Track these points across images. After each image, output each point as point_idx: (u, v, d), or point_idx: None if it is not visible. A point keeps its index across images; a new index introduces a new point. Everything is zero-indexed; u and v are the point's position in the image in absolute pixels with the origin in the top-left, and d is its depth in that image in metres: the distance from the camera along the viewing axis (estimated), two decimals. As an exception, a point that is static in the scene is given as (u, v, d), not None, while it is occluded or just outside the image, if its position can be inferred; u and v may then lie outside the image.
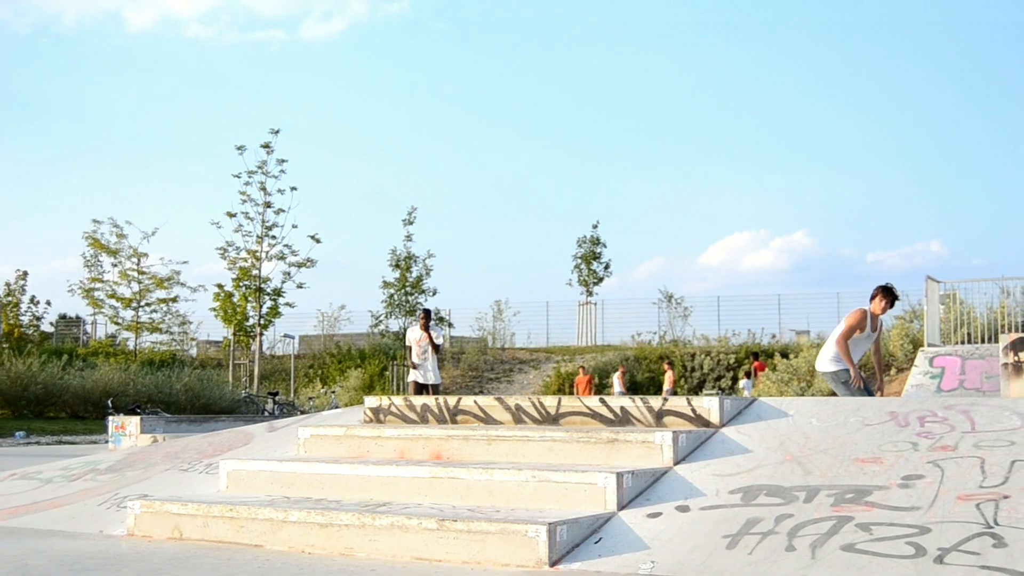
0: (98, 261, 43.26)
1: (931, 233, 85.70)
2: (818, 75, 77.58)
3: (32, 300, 46.88)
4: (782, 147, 78.00)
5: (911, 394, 22.27)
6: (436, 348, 19.19)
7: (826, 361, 11.63)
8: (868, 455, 5.98)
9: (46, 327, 48.74)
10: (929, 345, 25.70)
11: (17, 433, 24.40)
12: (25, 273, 46.42)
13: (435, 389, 18.79)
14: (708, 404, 6.93)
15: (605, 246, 51.09)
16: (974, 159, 75.77)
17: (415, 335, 19.10)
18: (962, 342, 27.01)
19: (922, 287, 28.10)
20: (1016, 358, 19.95)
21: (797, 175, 78.65)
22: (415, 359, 18.90)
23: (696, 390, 37.50)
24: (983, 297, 29.21)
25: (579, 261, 50.97)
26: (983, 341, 26.63)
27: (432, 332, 19.08)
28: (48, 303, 48.08)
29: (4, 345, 36.91)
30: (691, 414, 6.91)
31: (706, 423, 6.81)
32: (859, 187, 76.88)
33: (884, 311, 11.60)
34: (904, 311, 35.83)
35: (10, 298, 44.88)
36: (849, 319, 11.53)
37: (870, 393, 11.37)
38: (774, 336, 44.38)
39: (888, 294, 11.50)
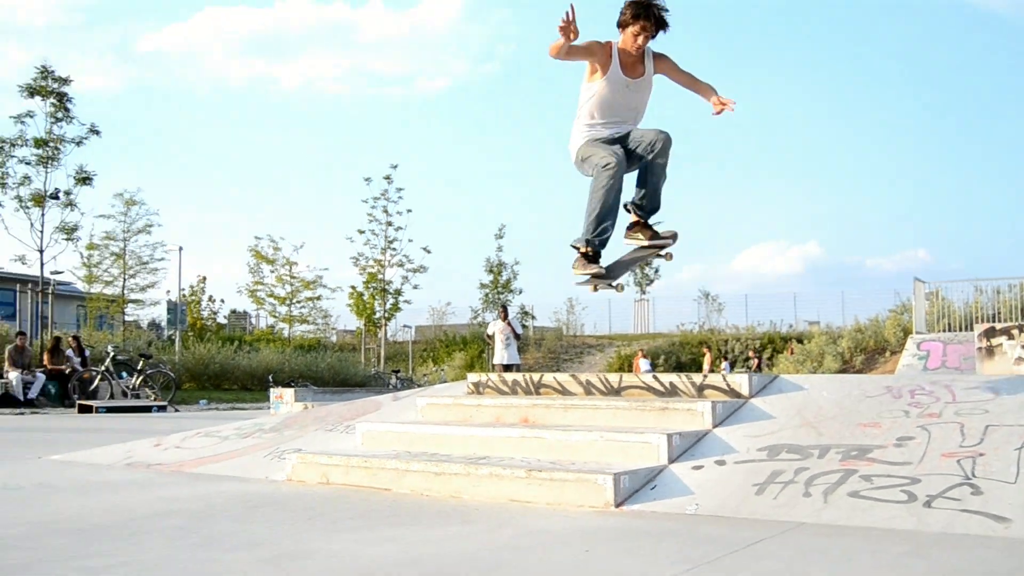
0: (259, 268, 44.01)
1: (918, 243, 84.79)
2: (830, 108, 77.00)
3: (210, 299, 47.90)
4: (799, 172, 77.45)
5: (903, 372, 21.96)
6: (517, 336, 19.44)
7: (571, 144, 6.49)
8: (869, 421, 5.90)
9: (221, 319, 49.66)
10: (917, 333, 25.44)
11: (200, 401, 24.88)
12: (204, 278, 47.46)
13: (517, 368, 18.94)
14: (739, 380, 6.88)
15: (655, 254, 51.01)
16: (952, 181, 74.73)
17: (498, 326, 19.41)
18: (944, 330, 26.70)
19: (911, 286, 27.83)
20: (988, 343, 19.61)
21: (809, 195, 78.06)
22: (499, 345, 19.13)
23: (729, 369, 37.23)
24: (960, 294, 29.11)
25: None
26: (961, 330, 26.36)
27: (512, 323, 19.40)
28: (222, 301, 49.11)
29: (189, 333, 37.62)
30: (726, 388, 6.86)
31: (738, 395, 6.76)
32: (860, 205, 76.33)
33: (642, 41, 6.08)
34: (896, 305, 35.36)
35: (193, 297, 45.76)
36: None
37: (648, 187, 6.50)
38: (791, 326, 44.14)
39: (640, 10, 6.03)
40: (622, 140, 6.39)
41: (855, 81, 77.58)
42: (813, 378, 7.29)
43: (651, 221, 6.73)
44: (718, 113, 6.13)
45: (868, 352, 32.85)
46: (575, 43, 5.88)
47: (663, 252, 6.81)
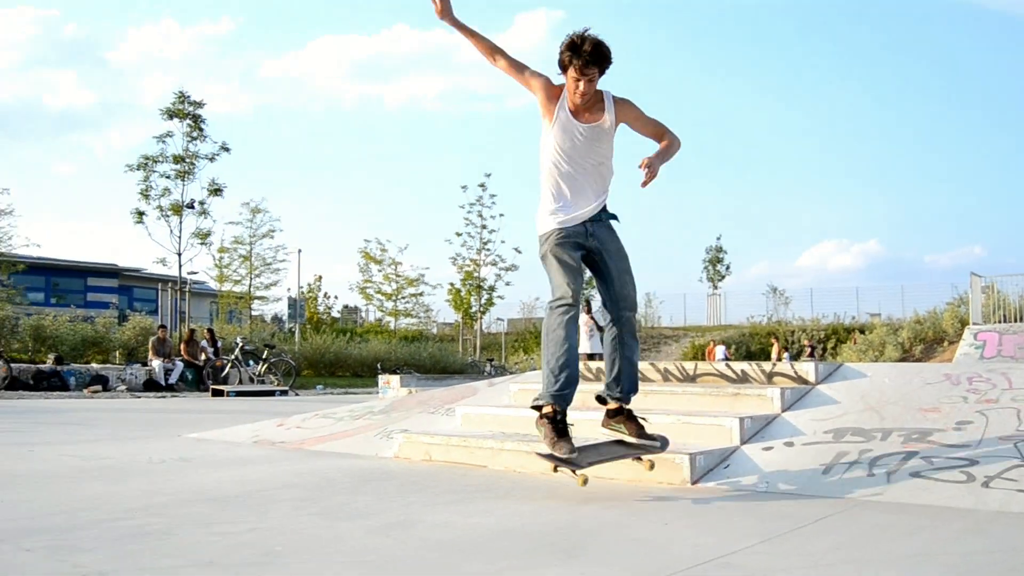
0: (368, 268, 44.59)
1: (973, 239, 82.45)
2: (889, 112, 75.37)
3: (325, 295, 48.73)
4: (859, 174, 76.11)
5: (960, 361, 21.30)
6: (600, 328, 19.49)
7: (537, 219, 4.92)
8: (929, 406, 5.74)
9: (335, 314, 50.51)
10: (973, 324, 24.75)
11: (318, 386, 25.30)
12: (320, 277, 48.27)
13: (600, 357, 18.92)
14: (806, 368, 6.75)
15: (726, 252, 50.82)
16: (1006, 180, 72.59)
17: (582, 319, 19.52)
18: (999, 322, 25.91)
19: (968, 281, 27.13)
20: (1043, 334, 18.97)
21: (870, 196, 76.63)
22: (584, 336, 19.22)
23: (795, 357, 36.57)
24: (1015, 287, 28.29)
25: (707, 263, 50.63)
26: (1015, 320, 25.60)
27: (595, 317, 19.51)
28: (336, 297, 50.14)
29: (307, 326, 38.32)
30: (794, 375, 6.74)
31: (805, 382, 6.64)
32: (918, 205, 74.62)
33: (584, 87, 4.60)
34: (953, 298, 34.40)
35: (311, 294, 46.58)
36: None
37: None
38: (853, 318, 43.26)
39: (571, 52, 4.57)
40: (590, 250, 4.83)
41: (912, 87, 75.71)
42: (875, 366, 7.12)
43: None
44: (643, 167, 4.69)
45: (927, 342, 31.97)
46: (509, 55, 4.81)
47: (645, 457, 4.95)
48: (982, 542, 3.54)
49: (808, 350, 36.28)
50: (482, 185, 40.41)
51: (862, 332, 37.02)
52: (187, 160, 28.33)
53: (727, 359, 34.37)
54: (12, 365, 19.69)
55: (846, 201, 78.34)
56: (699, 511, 4.24)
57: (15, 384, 19.07)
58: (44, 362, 21.86)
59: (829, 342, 39.06)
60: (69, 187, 76.22)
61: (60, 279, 44.19)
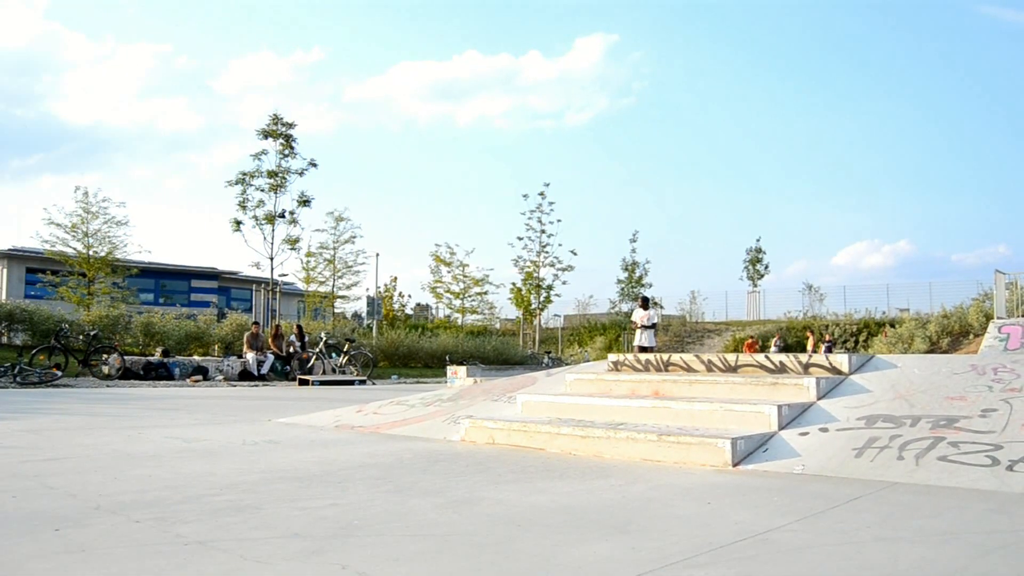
0: (439, 269, 44.79)
1: (998, 239, 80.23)
2: (919, 121, 73.63)
3: (400, 294, 49.19)
4: (891, 179, 74.58)
5: (985, 353, 20.71)
6: (654, 324, 19.31)
7: None
8: (956, 394, 5.58)
9: (408, 311, 50.87)
10: (998, 318, 24.04)
11: (392, 376, 25.48)
12: (396, 278, 48.82)
13: (652, 349, 18.77)
14: (840, 359, 6.62)
15: (765, 253, 50.06)
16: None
17: (638, 315, 19.36)
18: (1023, 315, 25.11)
19: (992, 277, 26.43)
20: (1065, 327, 18.35)
21: (902, 199, 75.07)
22: (639, 330, 19.09)
23: (829, 350, 35.86)
24: None
25: (747, 263, 49.95)
26: (1039, 315, 24.76)
27: (650, 313, 19.34)
28: (409, 296, 50.47)
29: (384, 322, 38.65)
30: (828, 366, 6.61)
31: (839, 372, 6.51)
32: (946, 207, 72.88)
33: None
34: (979, 294, 33.54)
35: (387, 293, 47.04)
36: None
37: None
38: (884, 313, 42.31)
39: None
40: None
41: (941, 95, 73.92)
42: (905, 358, 6.95)
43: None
44: None
45: (953, 335, 31.13)
46: None
47: None
48: (1006, 522, 3.43)
49: (829, 345, 35.60)
50: (541, 194, 40.44)
51: (892, 326, 36.21)
52: (279, 175, 28.74)
53: (778, 348, 33.87)
54: (125, 357, 20.18)
55: (879, 204, 77.03)
56: (740, 491, 4.18)
57: (127, 374, 19.55)
58: (153, 355, 22.38)
59: (861, 335, 38.29)
60: (176, 200, 78.25)
61: (167, 281, 45.28)
